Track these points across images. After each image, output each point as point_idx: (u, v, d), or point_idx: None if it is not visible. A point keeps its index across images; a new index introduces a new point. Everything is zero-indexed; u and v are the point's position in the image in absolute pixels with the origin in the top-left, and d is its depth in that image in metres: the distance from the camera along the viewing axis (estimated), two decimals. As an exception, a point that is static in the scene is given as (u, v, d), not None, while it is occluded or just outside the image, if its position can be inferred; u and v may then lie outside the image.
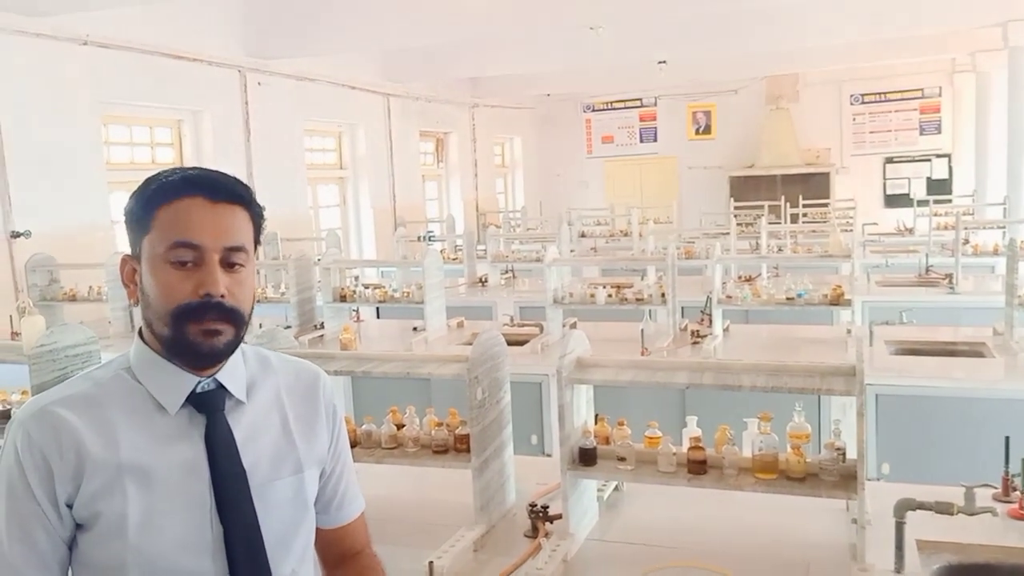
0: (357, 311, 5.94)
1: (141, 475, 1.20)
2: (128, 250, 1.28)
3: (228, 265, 1.23)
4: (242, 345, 1.32)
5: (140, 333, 1.29)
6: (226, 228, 1.23)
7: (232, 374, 1.29)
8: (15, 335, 4.97)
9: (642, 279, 6.26)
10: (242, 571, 1.23)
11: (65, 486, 1.19)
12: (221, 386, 1.27)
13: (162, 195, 1.22)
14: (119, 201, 7.22)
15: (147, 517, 1.19)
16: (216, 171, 1.28)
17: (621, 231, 10.61)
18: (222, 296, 1.21)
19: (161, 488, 1.21)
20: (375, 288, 5.57)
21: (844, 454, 2.09)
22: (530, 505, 2.34)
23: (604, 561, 2.18)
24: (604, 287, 4.97)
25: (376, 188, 10.71)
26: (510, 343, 2.86)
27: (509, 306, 6.66)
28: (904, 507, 2.02)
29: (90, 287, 5.94)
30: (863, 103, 14.23)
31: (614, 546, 2.26)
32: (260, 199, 1.33)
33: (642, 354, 4.51)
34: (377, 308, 6.57)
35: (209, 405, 1.26)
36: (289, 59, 8.45)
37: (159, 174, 1.27)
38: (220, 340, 1.23)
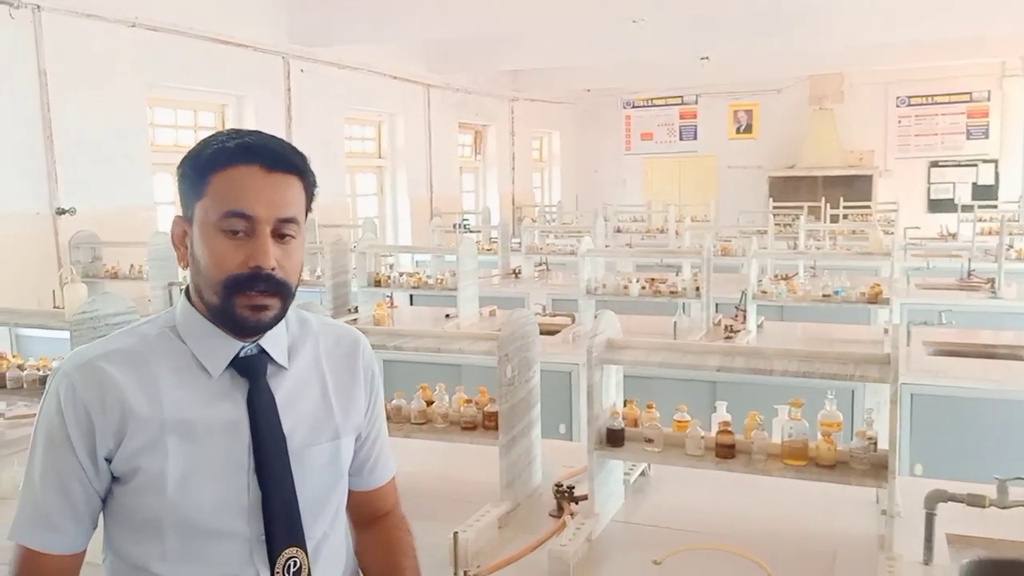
0: (391, 297, 5.98)
1: (184, 432, 1.21)
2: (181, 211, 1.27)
3: (279, 236, 1.23)
4: None
5: (187, 293, 1.29)
6: (280, 199, 1.22)
7: (275, 340, 1.30)
8: (57, 308, 5.07)
9: (677, 275, 6.22)
10: (277, 533, 1.24)
11: (106, 441, 1.20)
12: (263, 351, 1.28)
13: (218, 160, 1.22)
14: (162, 183, 7.39)
15: (186, 474, 1.20)
16: (273, 137, 1.27)
17: (658, 228, 10.56)
18: (272, 269, 1.21)
19: (202, 447, 1.22)
20: (409, 275, 5.62)
21: (876, 444, 2.06)
22: (556, 485, 2.35)
23: (628, 542, 2.18)
24: (637, 280, 4.95)
25: (414, 178, 10.77)
26: (542, 332, 2.85)
27: (542, 298, 6.66)
28: (935, 499, 1.99)
29: (131, 265, 6.05)
30: (909, 105, 13.99)
31: (639, 528, 2.25)
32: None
33: (674, 347, 4.49)
34: (411, 296, 6.61)
35: (252, 370, 1.27)
36: (332, 47, 8.53)
37: (215, 136, 1.26)
38: (267, 315, 1.23)
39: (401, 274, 5.68)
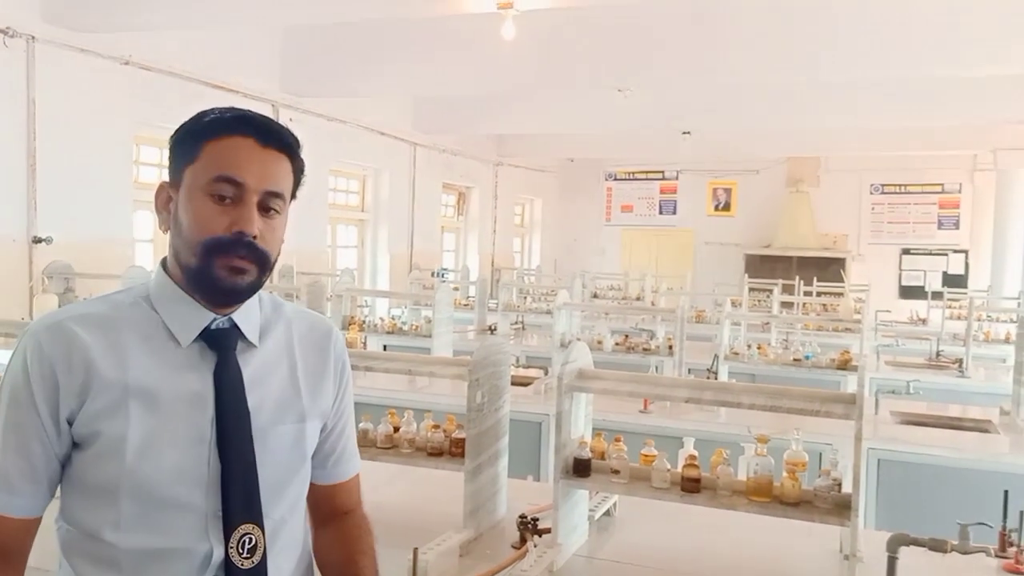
0: (365, 343, 5.96)
1: (146, 398, 1.20)
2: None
3: (264, 209, 1.24)
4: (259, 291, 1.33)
5: (163, 264, 1.29)
6: (270, 172, 1.24)
7: (247, 316, 1.29)
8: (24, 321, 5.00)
9: (651, 338, 6.26)
10: (235, 508, 1.22)
11: (69, 401, 1.19)
12: (235, 326, 1.27)
13: (214, 129, 1.23)
14: (143, 220, 7.38)
15: (147, 442, 1.19)
16: (269, 118, 1.29)
17: (634, 296, 10.64)
18: (255, 237, 1.21)
19: (164, 415, 1.20)
20: (384, 320, 5.62)
21: (840, 485, 2.07)
22: (520, 516, 2.32)
23: None
24: (612, 335, 4.98)
25: (395, 234, 10.82)
26: (514, 383, 2.85)
27: (516, 353, 6.66)
28: (897, 542, 1.99)
29: (104, 298, 5.99)
30: (883, 193, 14.35)
31: (601, 563, 2.23)
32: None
33: (645, 405, 4.49)
34: (384, 346, 6.59)
35: (221, 343, 1.26)
36: (322, 99, 8.65)
37: (212, 109, 1.27)
38: (244, 279, 1.22)
39: (378, 320, 5.68)
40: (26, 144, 5.94)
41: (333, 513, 1.46)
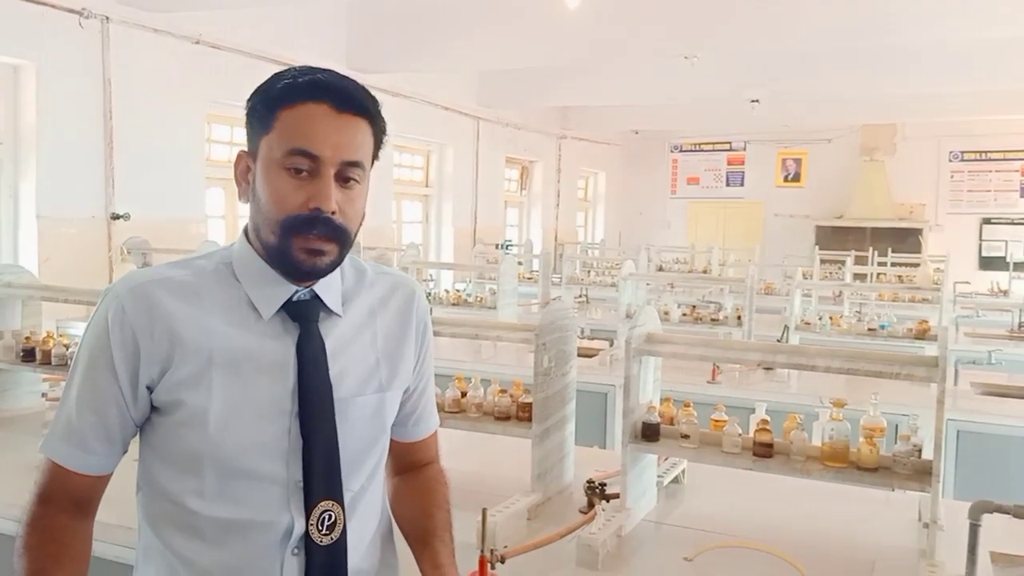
0: (430, 313, 5.99)
1: (229, 369, 1.19)
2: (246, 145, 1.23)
3: (343, 180, 1.19)
4: None
5: (246, 231, 1.26)
6: (347, 141, 1.19)
7: (329, 286, 1.27)
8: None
9: (718, 310, 6.16)
10: (315, 482, 1.22)
11: (150, 369, 1.18)
12: (317, 297, 1.25)
13: (288, 96, 1.18)
14: (215, 196, 7.56)
15: (229, 413, 1.18)
16: (346, 77, 1.23)
17: (701, 269, 10.47)
18: (333, 213, 1.17)
19: (246, 386, 1.19)
20: (448, 292, 5.65)
21: (920, 451, 2.00)
22: (588, 481, 2.31)
23: (659, 540, 2.14)
24: (679, 306, 4.91)
25: (459, 208, 10.87)
26: (579, 355, 2.83)
27: (581, 325, 6.62)
28: (980, 509, 1.92)
29: (179, 273, 6.16)
30: (962, 160, 13.81)
31: (671, 528, 2.21)
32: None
33: (713, 375, 4.43)
34: (450, 319, 6.63)
35: (304, 315, 1.24)
36: (387, 74, 8.68)
37: (287, 71, 1.22)
38: (323, 260, 1.20)
39: (443, 292, 5.71)
40: (103, 124, 6.12)
41: (411, 465, 1.47)
